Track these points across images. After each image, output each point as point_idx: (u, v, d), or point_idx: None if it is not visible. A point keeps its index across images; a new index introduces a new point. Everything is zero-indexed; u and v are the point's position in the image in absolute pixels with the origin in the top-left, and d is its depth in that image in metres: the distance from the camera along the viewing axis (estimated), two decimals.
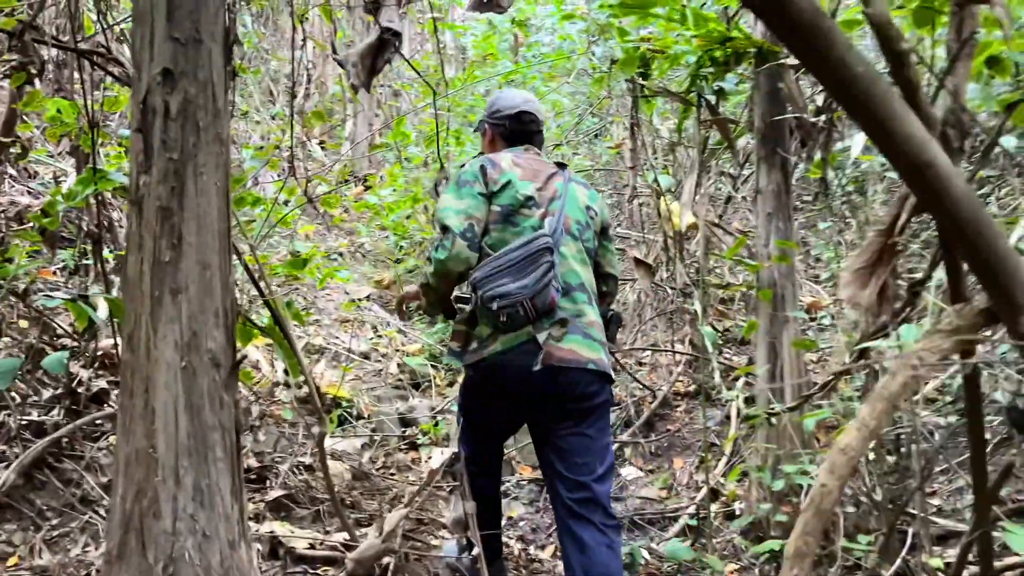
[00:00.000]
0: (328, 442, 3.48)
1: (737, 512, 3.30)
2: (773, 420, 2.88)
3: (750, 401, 3.59)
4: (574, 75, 6.54)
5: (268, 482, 3.18)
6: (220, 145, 2.01)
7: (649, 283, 3.45)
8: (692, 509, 3.39)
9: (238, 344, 2.08)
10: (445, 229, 2.41)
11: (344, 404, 3.98)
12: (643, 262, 3.35)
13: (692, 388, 4.40)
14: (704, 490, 3.45)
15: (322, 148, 9.12)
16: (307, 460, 3.41)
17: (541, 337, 2.31)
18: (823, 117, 2.76)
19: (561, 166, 2.66)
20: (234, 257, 2.06)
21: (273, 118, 8.44)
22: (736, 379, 4.40)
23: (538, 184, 2.50)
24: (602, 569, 2.32)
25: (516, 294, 2.28)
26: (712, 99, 3.35)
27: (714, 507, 3.27)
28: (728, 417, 3.99)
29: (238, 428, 2.03)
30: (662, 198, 3.82)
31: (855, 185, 4.27)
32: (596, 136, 7.71)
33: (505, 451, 3.70)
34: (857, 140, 2.68)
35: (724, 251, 3.83)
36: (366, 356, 4.83)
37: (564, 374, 2.34)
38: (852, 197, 4.15)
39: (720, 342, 4.70)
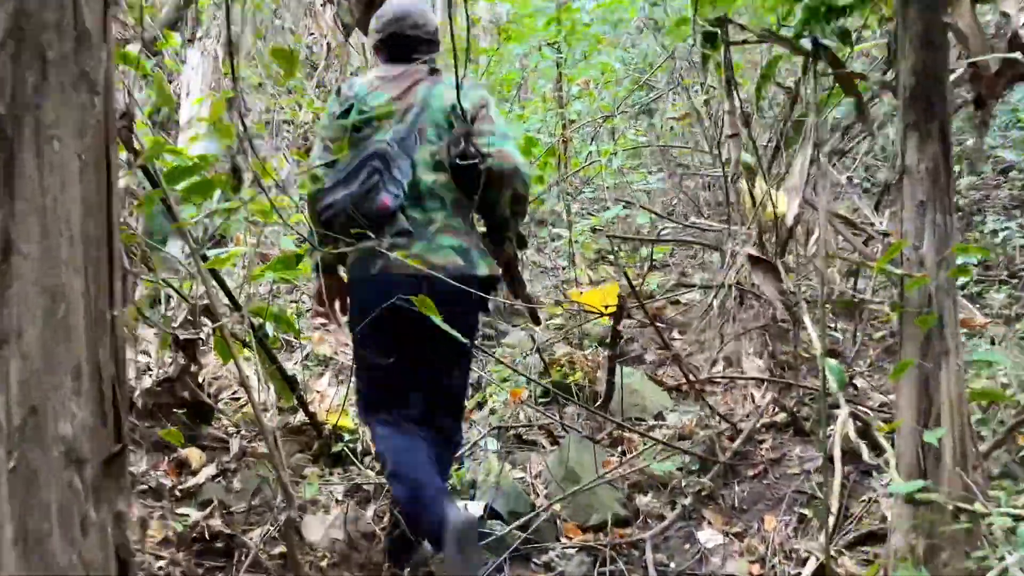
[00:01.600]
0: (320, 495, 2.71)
1: None
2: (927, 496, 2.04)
3: (866, 435, 2.76)
4: (625, 38, 5.66)
5: (236, 556, 2.41)
6: (89, 93, 1.21)
7: (776, 290, 2.58)
8: None
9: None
10: None
11: (347, 437, 3.20)
12: (762, 260, 2.50)
13: (780, 417, 3.54)
14: (811, 567, 2.62)
15: None
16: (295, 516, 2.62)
17: (384, 246, 2.28)
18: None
19: (435, 71, 2.53)
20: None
21: (290, 92, 7.70)
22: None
23: (396, 95, 2.45)
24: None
25: (340, 201, 2.33)
26: (831, 46, 2.49)
27: None
28: (831, 459, 3.12)
29: (125, 562, 1.23)
30: (755, 180, 2.95)
31: None
32: (647, 111, 6.81)
33: (539, 495, 2.93)
34: None
35: (846, 254, 2.97)
36: None
37: (412, 284, 2.20)
38: None
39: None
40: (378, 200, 2.27)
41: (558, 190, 4.97)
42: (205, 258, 2.69)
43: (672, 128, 5.33)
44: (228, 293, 2.89)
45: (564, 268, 5.25)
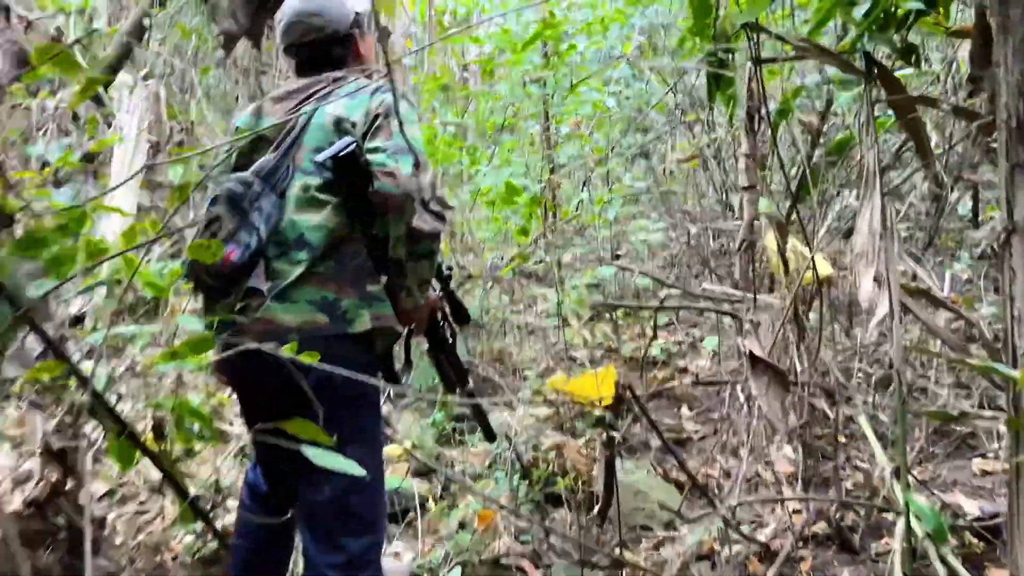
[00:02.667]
0: None
1: None
2: None
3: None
4: (618, 75, 5.06)
5: None
6: None
7: (780, 403, 1.89)
8: None
9: None
10: None
11: None
12: (766, 364, 1.83)
13: (820, 527, 2.85)
14: None
15: None
16: None
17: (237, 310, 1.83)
18: None
19: (337, 80, 2.01)
20: None
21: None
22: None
23: (277, 118, 1.98)
24: None
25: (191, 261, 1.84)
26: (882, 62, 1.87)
27: None
28: None
29: None
30: (785, 235, 2.30)
31: None
32: (644, 153, 6.20)
33: None
34: None
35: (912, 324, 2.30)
36: None
37: (255, 358, 1.65)
38: None
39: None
40: (219, 256, 1.73)
41: (545, 243, 4.33)
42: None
43: (673, 172, 4.72)
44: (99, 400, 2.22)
45: (555, 329, 4.58)
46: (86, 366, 3.16)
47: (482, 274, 4.56)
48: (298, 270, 1.84)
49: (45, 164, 4.70)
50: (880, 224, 1.66)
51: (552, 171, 4.52)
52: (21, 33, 5.58)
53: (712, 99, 3.87)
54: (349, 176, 1.82)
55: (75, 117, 4.68)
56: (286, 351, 1.87)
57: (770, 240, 2.76)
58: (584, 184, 4.76)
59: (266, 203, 1.83)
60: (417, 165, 1.80)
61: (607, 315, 5.06)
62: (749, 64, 1.95)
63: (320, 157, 1.83)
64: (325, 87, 1.98)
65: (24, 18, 5.63)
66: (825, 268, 2.71)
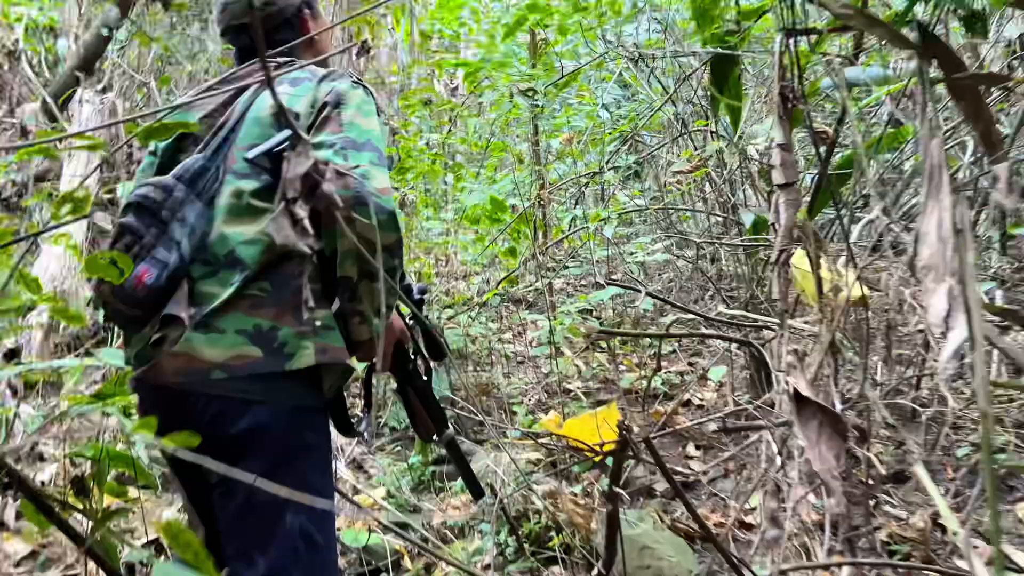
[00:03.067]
0: None
1: None
2: None
3: None
4: (610, 88, 4.74)
5: None
6: None
7: (835, 456, 1.50)
8: None
9: None
10: None
11: None
12: (818, 406, 1.45)
13: None
14: None
15: None
16: None
17: (153, 342, 1.50)
18: None
19: (285, 64, 1.72)
20: None
21: None
22: None
23: (209, 110, 1.67)
24: None
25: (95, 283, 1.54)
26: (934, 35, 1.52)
27: None
28: None
29: None
30: (821, 250, 1.94)
31: None
32: (636, 171, 5.87)
33: None
34: None
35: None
36: None
37: (176, 402, 1.47)
38: None
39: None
40: (131, 276, 1.45)
41: (535, 264, 3.96)
42: None
43: (672, 187, 4.38)
44: None
45: (548, 359, 4.20)
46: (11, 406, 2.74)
47: (466, 299, 4.19)
48: (227, 293, 1.50)
49: None
50: (952, 229, 1.30)
51: (542, 188, 4.17)
52: None
53: (717, 97, 3.53)
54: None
55: (24, 133, 4.33)
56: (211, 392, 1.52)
57: (797, 255, 2.41)
58: (577, 201, 4.41)
59: (190, 212, 1.52)
60: (373, 163, 1.49)
61: (603, 343, 4.69)
62: (779, 37, 1.61)
63: (251, 154, 1.52)
64: (261, 74, 1.67)
65: None
66: (859, 288, 2.37)
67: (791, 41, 1.62)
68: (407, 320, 1.83)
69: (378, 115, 1.63)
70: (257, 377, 1.47)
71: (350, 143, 1.50)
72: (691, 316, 3.15)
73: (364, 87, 1.66)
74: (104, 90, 4.67)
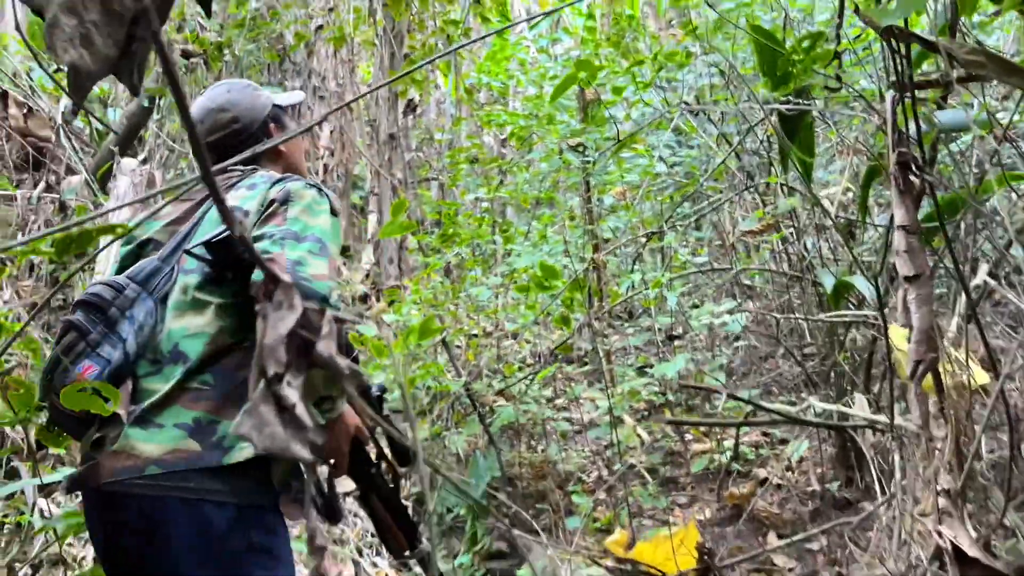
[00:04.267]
0: None
1: None
2: None
3: None
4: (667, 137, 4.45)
5: None
6: None
7: None
8: None
9: None
10: None
11: None
12: (990, 570, 1.12)
13: None
14: None
15: (344, 254, 7.26)
16: None
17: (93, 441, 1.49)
18: None
19: (250, 171, 1.73)
20: None
21: None
22: None
23: (174, 216, 1.71)
24: None
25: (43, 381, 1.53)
26: None
27: None
28: None
29: None
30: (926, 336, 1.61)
31: None
32: (697, 223, 5.53)
33: None
34: None
35: None
36: None
37: (112, 499, 1.44)
38: None
39: None
40: (72, 373, 1.46)
41: (590, 332, 3.66)
42: None
43: (743, 246, 4.04)
44: None
45: (607, 438, 3.86)
46: None
47: (517, 369, 3.90)
48: (167, 387, 1.49)
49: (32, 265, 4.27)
50: None
51: (596, 248, 3.88)
52: (20, 122, 5.24)
53: (787, 148, 3.19)
54: (229, 269, 1.52)
55: (63, 208, 4.25)
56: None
57: (898, 336, 2.08)
58: (635, 261, 4.10)
59: (139, 311, 1.53)
60: (311, 252, 1.47)
61: (666, 410, 4.34)
62: (891, 93, 1.30)
63: (191, 245, 1.56)
64: (232, 182, 1.72)
65: (25, 104, 5.30)
66: (981, 374, 2.02)
67: (898, 96, 1.30)
68: (366, 420, 1.69)
69: (333, 214, 1.60)
70: (195, 472, 1.41)
71: (291, 235, 1.48)
72: (778, 410, 2.78)
73: (319, 188, 1.64)
74: (144, 161, 4.60)
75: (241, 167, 1.76)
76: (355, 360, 1.82)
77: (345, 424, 1.62)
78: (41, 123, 5.27)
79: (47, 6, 0.93)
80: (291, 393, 0.80)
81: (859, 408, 2.43)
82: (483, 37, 2.34)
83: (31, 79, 5.89)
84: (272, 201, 1.57)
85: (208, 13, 1.26)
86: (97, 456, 1.46)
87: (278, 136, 1.86)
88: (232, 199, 1.67)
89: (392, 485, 1.74)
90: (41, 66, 2.52)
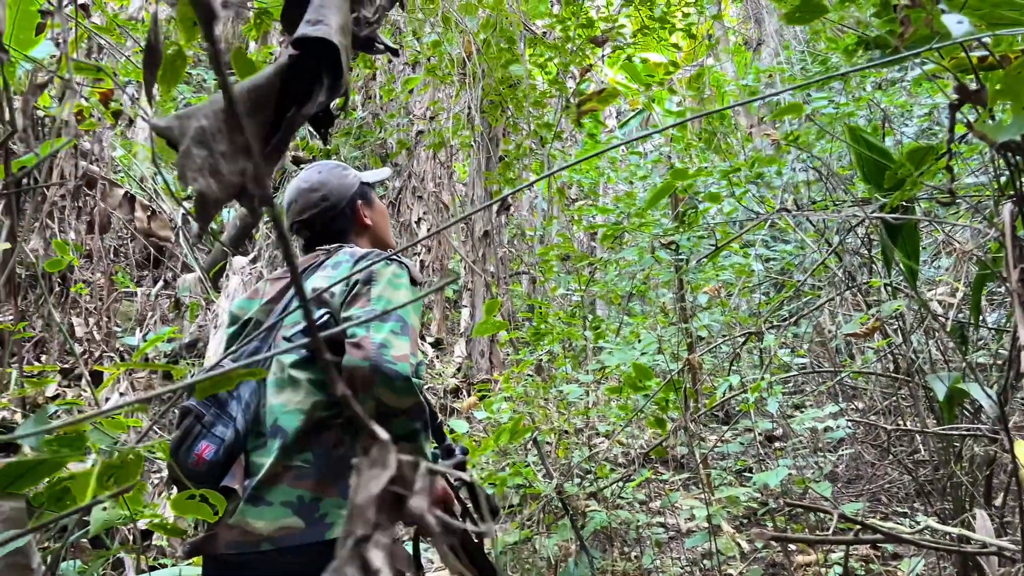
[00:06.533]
0: None
1: None
2: None
3: None
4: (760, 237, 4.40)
5: None
6: None
7: None
8: None
9: None
10: None
11: None
12: None
13: None
14: None
15: (437, 347, 7.38)
16: None
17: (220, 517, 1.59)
18: None
19: (336, 250, 1.87)
20: None
21: None
22: None
23: (268, 297, 1.86)
24: None
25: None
26: None
27: None
28: None
29: None
30: None
31: None
32: (796, 321, 5.38)
33: None
34: None
35: None
36: None
37: (231, 569, 1.60)
38: None
39: None
40: (193, 452, 1.62)
41: (686, 435, 3.56)
42: None
43: (846, 344, 3.89)
44: None
45: (704, 546, 3.69)
46: None
47: (609, 472, 3.81)
48: (269, 461, 1.64)
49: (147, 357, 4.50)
50: None
51: (691, 347, 3.82)
52: (144, 223, 5.64)
53: (890, 251, 3.10)
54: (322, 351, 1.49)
55: (178, 305, 4.51)
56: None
57: (1018, 445, 1.95)
58: (732, 362, 4.00)
59: (245, 390, 1.68)
60: (394, 332, 1.58)
61: (767, 519, 4.12)
62: (1008, 205, 1.26)
63: (288, 333, 1.71)
64: (319, 261, 1.85)
65: (149, 207, 5.71)
66: None
67: (1017, 210, 1.26)
68: (452, 482, 1.81)
69: (413, 283, 1.71)
70: (301, 548, 1.54)
71: (375, 316, 1.60)
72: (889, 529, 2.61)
73: (398, 262, 1.73)
74: (254, 259, 4.86)
75: (327, 246, 1.88)
76: (439, 427, 1.88)
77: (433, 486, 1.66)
78: (162, 224, 5.67)
79: (181, 140, 1.01)
80: (376, 556, 0.81)
81: (981, 529, 2.25)
82: (581, 159, 2.39)
83: (155, 182, 6.38)
84: (356, 282, 1.68)
85: (325, 141, 1.34)
86: (216, 528, 1.60)
87: (365, 210, 1.97)
88: (319, 279, 1.79)
89: (476, 541, 1.78)
90: (163, 177, 2.73)
